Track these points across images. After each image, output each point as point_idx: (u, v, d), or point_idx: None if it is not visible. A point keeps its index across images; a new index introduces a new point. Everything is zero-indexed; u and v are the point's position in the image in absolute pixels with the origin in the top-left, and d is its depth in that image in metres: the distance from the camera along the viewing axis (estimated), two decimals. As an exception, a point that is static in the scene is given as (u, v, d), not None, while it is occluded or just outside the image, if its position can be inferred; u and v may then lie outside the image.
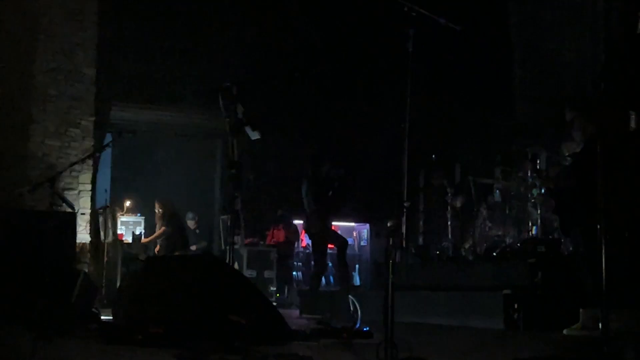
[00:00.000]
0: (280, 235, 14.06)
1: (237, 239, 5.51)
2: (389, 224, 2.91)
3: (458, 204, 10.63)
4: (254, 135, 5.45)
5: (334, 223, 11.22)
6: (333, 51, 14.08)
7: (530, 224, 9.30)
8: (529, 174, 9.34)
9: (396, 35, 3.83)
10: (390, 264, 2.68)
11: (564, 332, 6.32)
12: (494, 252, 9.30)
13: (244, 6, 14.15)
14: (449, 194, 10.68)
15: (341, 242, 10.65)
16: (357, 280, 14.36)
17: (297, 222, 14.47)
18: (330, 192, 10.01)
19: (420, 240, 12.26)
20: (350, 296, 7.23)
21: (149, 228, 13.45)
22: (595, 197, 6.47)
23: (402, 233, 2.98)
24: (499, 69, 12.84)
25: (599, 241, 3.72)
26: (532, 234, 9.18)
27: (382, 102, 12.11)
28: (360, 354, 3.44)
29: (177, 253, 12.13)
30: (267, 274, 13.23)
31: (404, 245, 2.96)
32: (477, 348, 5.37)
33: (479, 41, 12.30)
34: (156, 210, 13.23)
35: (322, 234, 10.15)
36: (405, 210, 3.09)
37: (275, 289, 13.04)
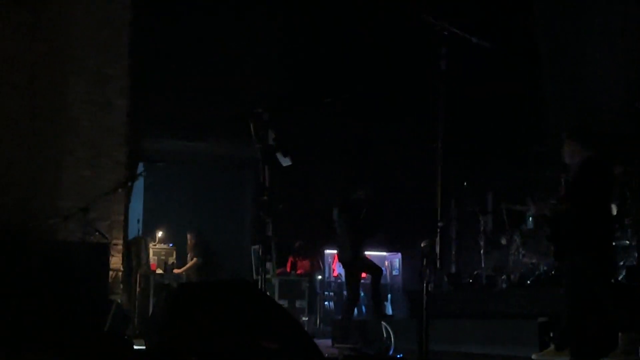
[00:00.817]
0: (304, 265, 14.04)
1: (268, 265, 5.49)
2: (422, 244, 2.87)
3: (490, 231, 10.56)
4: (286, 162, 5.44)
5: (366, 252, 11.17)
6: (364, 74, 14.03)
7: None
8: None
9: (428, 56, 3.82)
10: (425, 284, 2.64)
11: (604, 360, 6.24)
12: (528, 279, 9.21)
13: (273, 32, 14.22)
14: (482, 221, 10.61)
15: (376, 270, 10.58)
16: (389, 310, 14.26)
17: (328, 251, 14.47)
18: (361, 217, 9.98)
19: (453, 268, 12.17)
20: (383, 323, 7.17)
21: (181, 258, 13.47)
22: (589, 220, 6.47)
23: (437, 253, 2.95)
24: (532, 94, 12.73)
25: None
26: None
27: (414, 125, 12.07)
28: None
29: None
30: (298, 303, 13.17)
31: (438, 265, 2.92)
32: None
33: (511, 65, 12.23)
34: (188, 241, 13.27)
35: (355, 262, 10.11)
36: (439, 230, 3.06)
37: (307, 319, 12.98)
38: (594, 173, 6.64)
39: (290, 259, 14.00)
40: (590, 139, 6.86)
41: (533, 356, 6.58)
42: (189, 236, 13.23)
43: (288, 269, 13.91)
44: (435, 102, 3.44)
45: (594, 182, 6.59)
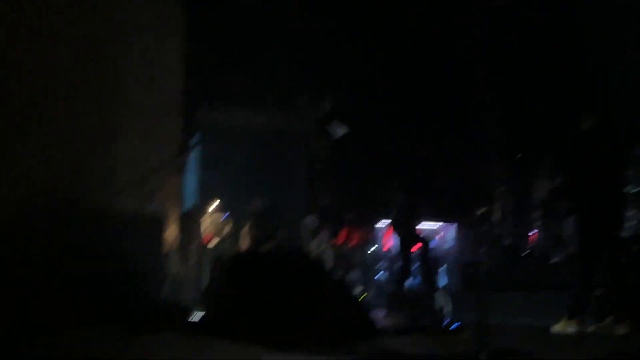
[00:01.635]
0: (357, 237, 14.02)
1: (322, 236, 5.50)
2: (480, 213, 2.84)
3: (547, 203, 10.42)
4: (339, 132, 5.43)
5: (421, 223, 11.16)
6: (415, 43, 13.83)
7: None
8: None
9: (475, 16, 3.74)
10: (483, 254, 2.61)
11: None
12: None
13: (326, 5, 14.11)
14: (538, 193, 10.47)
15: (424, 241, 10.57)
16: (443, 281, 14.21)
17: (381, 223, 14.45)
18: (418, 193, 9.98)
19: (509, 240, 12.05)
20: (440, 292, 7.15)
21: (236, 229, 13.55)
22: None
23: (494, 222, 2.91)
24: (581, 64, 12.44)
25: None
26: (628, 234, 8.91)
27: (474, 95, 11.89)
28: (451, 348, 3.38)
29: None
30: (351, 275, 13.20)
31: (494, 232, 2.89)
32: (567, 347, 5.24)
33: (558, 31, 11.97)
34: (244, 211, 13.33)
35: (411, 233, 10.11)
36: (495, 198, 3.01)
37: (359, 290, 13.01)
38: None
39: (344, 230, 14.01)
40: None
41: (554, 327, 6.64)
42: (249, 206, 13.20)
43: (341, 241, 13.91)
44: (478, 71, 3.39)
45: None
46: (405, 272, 10.38)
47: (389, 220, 11.04)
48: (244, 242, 13.05)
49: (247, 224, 13.26)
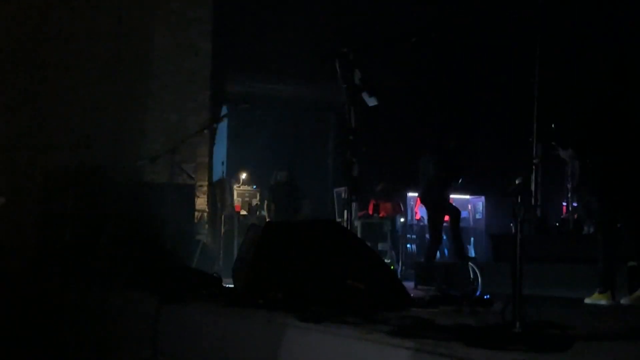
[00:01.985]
0: (386, 208, 13.98)
1: (352, 206, 5.46)
2: (517, 181, 2.80)
3: (579, 174, 10.33)
4: (372, 102, 5.39)
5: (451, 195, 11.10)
6: (452, 13, 13.64)
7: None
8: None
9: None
10: (519, 223, 2.57)
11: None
12: (618, 223, 8.97)
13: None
14: (570, 165, 10.38)
15: (455, 212, 10.52)
16: (472, 253, 14.17)
17: (411, 194, 14.40)
18: (450, 161, 9.93)
19: (539, 212, 11.97)
20: (470, 264, 7.12)
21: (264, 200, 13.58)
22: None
23: (532, 191, 2.87)
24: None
25: None
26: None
27: (504, 66, 11.71)
28: (483, 320, 3.35)
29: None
30: (381, 246, 13.19)
31: (533, 203, 2.87)
32: (601, 318, 5.20)
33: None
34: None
35: (440, 204, 10.07)
36: (534, 167, 2.98)
37: (389, 261, 13.00)
38: None
39: (373, 201, 13.97)
40: None
41: (586, 300, 6.62)
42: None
43: (370, 212, 13.90)
44: (531, 39, 3.32)
45: None
46: (435, 243, 10.34)
47: (419, 191, 10.98)
48: (267, 213, 13.06)
49: (268, 195, 13.26)
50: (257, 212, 13.22)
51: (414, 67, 14.20)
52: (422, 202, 11.06)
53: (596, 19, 12.21)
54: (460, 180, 10.52)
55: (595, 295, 6.67)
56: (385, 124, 14.17)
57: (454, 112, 14.40)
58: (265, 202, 13.14)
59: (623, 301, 6.63)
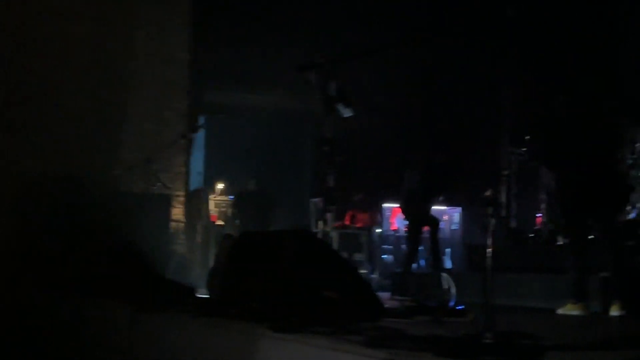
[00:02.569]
0: (364, 219, 14.02)
1: (328, 217, 5.48)
2: (487, 193, 2.83)
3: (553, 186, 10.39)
4: (347, 113, 5.42)
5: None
6: (428, 22, 13.70)
7: (629, 207, 9.01)
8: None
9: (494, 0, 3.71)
10: (490, 234, 2.60)
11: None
12: (590, 235, 9.05)
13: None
14: (543, 175, 10.45)
15: (434, 222, 10.58)
16: (448, 264, 14.23)
17: (387, 204, 14.43)
18: (436, 175, 10.02)
19: (514, 222, 12.04)
20: (444, 275, 7.15)
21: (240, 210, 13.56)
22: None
23: (502, 202, 2.90)
24: (604, 44, 12.29)
25: None
26: (630, 217, 8.91)
27: (479, 77, 11.78)
28: (456, 330, 3.38)
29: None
30: (357, 256, 13.22)
31: (503, 214, 2.90)
32: (573, 329, 5.25)
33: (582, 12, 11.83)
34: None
35: (421, 216, 10.12)
36: (504, 178, 3.01)
37: (366, 271, 13.03)
38: None
39: (350, 212, 14.01)
40: None
41: (559, 310, 6.69)
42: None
43: (347, 222, 13.93)
44: (502, 49, 3.35)
45: None
46: (413, 253, 10.39)
47: (397, 201, 11.03)
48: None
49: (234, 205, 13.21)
50: (234, 222, 13.19)
51: (391, 79, 14.27)
52: (403, 213, 11.07)
53: (568, 28, 12.32)
54: (443, 196, 10.61)
55: (568, 305, 6.73)
56: (363, 134, 14.22)
57: (438, 124, 14.48)
58: (230, 210, 13.12)
59: (595, 312, 6.71)
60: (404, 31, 13.25)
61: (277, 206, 12.68)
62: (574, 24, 12.06)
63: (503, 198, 2.94)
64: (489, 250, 2.65)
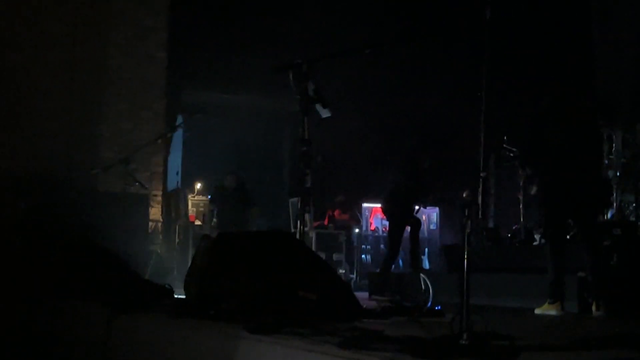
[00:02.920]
0: (344, 219, 14.04)
1: (306, 217, 5.47)
2: (464, 195, 2.84)
3: (532, 190, 10.45)
4: (325, 114, 5.41)
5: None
6: (407, 24, 13.74)
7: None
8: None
9: (471, 3, 3.72)
10: (467, 235, 2.61)
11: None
12: (568, 235, 9.12)
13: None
14: (521, 176, 10.51)
15: (416, 223, 10.59)
16: (426, 264, 14.28)
17: (366, 204, 14.46)
18: (421, 177, 10.05)
19: (492, 223, 12.12)
20: (422, 276, 7.17)
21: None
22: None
23: (479, 203, 2.91)
24: (578, 46, 12.40)
25: None
26: (607, 217, 8.99)
27: (456, 76, 11.84)
28: (432, 331, 3.38)
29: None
30: (335, 256, 13.23)
31: (479, 215, 2.91)
32: (550, 329, 5.27)
33: (557, 16, 11.93)
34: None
35: (403, 217, 10.12)
36: (481, 180, 3.02)
37: (344, 271, 13.05)
38: None
39: (329, 212, 14.03)
40: None
41: (536, 310, 6.73)
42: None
43: (326, 222, 13.94)
44: (479, 52, 3.37)
45: None
46: (394, 255, 10.39)
47: (377, 201, 11.04)
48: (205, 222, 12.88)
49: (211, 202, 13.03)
50: (212, 222, 13.14)
51: (369, 80, 14.30)
52: (384, 213, 11.03)
53: (544, 30, 12.43)
54: (427, 200, 10.63)
55: (545, 305, 6.77)
56: (342, 135, 14.23)
57: (404, 121, 14.52)
58: (208, 209, 12.93)
59: (572, 312, 6.76)
60: (383, 32, 13.32)
61: (255, 204, 12.59)
62: (550, 26, 12.16)
63: (480, 199, 2.95)
64: (466, 251, 2.66)
